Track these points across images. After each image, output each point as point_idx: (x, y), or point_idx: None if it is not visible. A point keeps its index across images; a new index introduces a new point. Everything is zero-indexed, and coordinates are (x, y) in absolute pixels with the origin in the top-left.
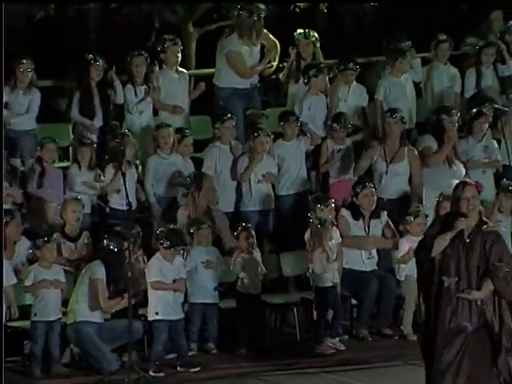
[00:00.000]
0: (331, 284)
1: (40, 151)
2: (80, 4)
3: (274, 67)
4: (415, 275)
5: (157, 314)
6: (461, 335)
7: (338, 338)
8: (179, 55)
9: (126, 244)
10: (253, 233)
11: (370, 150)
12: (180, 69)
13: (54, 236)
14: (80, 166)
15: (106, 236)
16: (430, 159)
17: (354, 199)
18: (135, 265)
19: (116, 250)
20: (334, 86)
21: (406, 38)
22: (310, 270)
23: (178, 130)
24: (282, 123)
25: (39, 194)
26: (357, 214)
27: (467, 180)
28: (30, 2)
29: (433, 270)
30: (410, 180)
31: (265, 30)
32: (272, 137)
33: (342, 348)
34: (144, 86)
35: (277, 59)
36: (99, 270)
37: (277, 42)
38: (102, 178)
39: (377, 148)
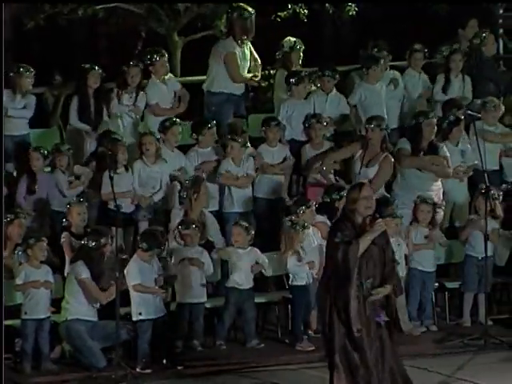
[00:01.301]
0: (304, 283)
1: (29, 159)
2: (81, 4)
3: (257, 81)
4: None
5: (140, 314)
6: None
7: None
8: (167, 66)
9: (103, 240)
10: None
11: (350, 147)
12: (167, 76)
13: (63, 235)
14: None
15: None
16: (405, 161)
17: (336, 204)
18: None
19: (94, 246)
20: (312, 93)
21: (382, 46)
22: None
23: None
24: (263, 128)
25: (31, 200)
26: (332, 219)
27: (363, 181)
28: (30, 2)
29: (350, 271)
30: (388, 185)
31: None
32: (247, 144)
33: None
34: (134, 94)
35: (259, 75)
36: (83, 270)
37: (259, 59)
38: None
39: (356, 147)
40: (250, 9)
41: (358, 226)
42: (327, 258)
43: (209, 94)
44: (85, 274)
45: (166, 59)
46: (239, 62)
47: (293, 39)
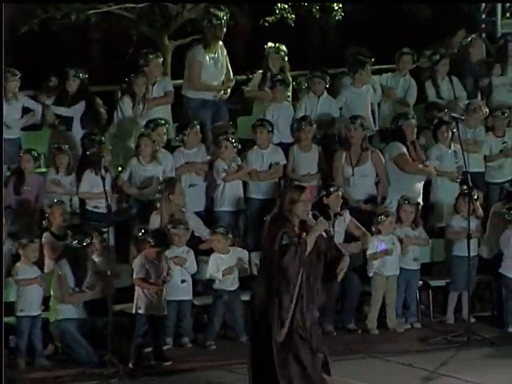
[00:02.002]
0: None
1: (20, 162)
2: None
3: (227, 94)
4: (384, 273)
5: (139, 308)
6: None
7: None
8: (161, 68)
9: (87, 240)
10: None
11: (337, 156)
12: (160, 77)
13: (44, 235)
14: (58, 171)
15: (69, 234)
16: (406, 166)
17: (325, 200)
18: (103, 262)
19: (79, 246)
20: (303, 95)
21: (367, 51)
22: None
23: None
24: (255, 131)
25: (18, 200)
26: (325, 216)
27: (303, 184)
28: (30, 2)
29: (298, 273)
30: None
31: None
32: (237, 144)
33: None
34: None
35: (228, 91)
36: (63, 267)
37: (231, 72)
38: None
39: (341, 153)
40: (221, 14)
41: (293, 226)
42: (269, 260)
43: (185, 99)
44: (63, 270)
45: (160, 60)
46: (202, 70)
47: (273, 44)
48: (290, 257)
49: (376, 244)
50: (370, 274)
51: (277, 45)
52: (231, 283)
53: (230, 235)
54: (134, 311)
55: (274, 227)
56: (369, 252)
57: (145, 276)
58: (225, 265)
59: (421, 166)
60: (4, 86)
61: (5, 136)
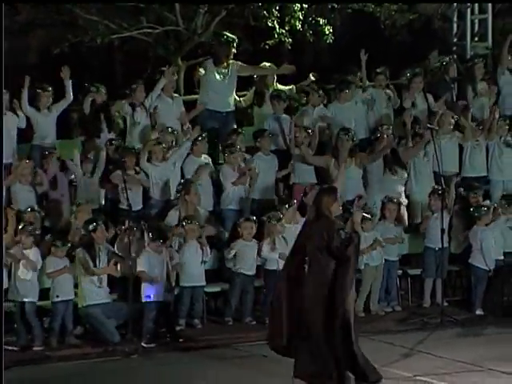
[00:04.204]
0: (275, 268)
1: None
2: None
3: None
4: (371, 263)
5: (148, 296)
6: None
7: None
8: (175, 84)
9: (91, 226)
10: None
11: (324, 158)
12: (175, 94)
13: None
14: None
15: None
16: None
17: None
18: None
19: (86, 232)
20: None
21: (354, 71)
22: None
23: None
24: (259, 139)
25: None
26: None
27: (335, 186)
28: (30, 2)
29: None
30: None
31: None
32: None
33: None
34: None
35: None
36: (80, 252)
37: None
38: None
39: (331, 158)
40: (231, 35)
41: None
42: (324, 255)
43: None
44: (81, 253)
45: (174, 78)
46: (215, 83)
47: (268, 64)
48: (352, 247)
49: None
50: (361, 267)
51: (271, 64)
52: (251, 268)
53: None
54: (143, 299)
55: (324, 227)
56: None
57: (148, 267)
58: (248, 251)
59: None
60: (39, 100)
61: (40, 143)
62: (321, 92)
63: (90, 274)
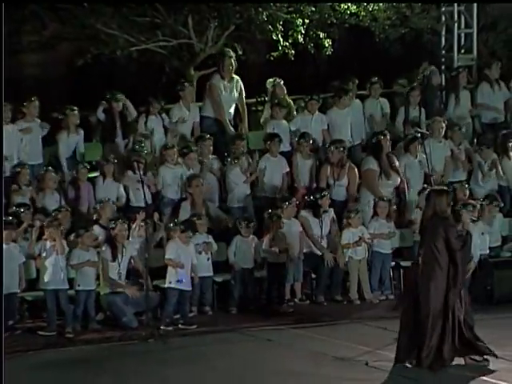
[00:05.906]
0: (276, 261)
1: (76, 173)
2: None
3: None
4: (356, 257)
5: (170, 283)
6: None
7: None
8: (194, 95)
9: (112, 224)
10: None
11: (323, 170)
12: (191, 104)
13: (94, 227)
14: (105, 178)
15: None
16: (369, 181)
17: (319, 201)
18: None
19: (109, 229)
20: (300, 113)
21: (351, 79)
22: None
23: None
24: (268, 142)
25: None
26: (317, 213)
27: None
28: (31, 2)
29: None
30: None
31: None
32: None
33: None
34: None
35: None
36: (103, 252)
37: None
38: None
39: (326, 166)
40: (233, 53)
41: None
42: (443, 253)
43: (202, 118)
44: (104, 254)
45: (193, 90)
46: (219, 94)
47: (272, 79)
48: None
49: (348, 235)
50: (346, 259)
51: (277, 80)
52: (249, 262)
53: (253, 224)
54: (166, 285)
55: (444, 227)
56: (342, 242)
57: (175, 257)
58: (245, 246)
59: (376, 189)
60: (66, 121)
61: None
62: (320, 100)
63: (106, 281)
